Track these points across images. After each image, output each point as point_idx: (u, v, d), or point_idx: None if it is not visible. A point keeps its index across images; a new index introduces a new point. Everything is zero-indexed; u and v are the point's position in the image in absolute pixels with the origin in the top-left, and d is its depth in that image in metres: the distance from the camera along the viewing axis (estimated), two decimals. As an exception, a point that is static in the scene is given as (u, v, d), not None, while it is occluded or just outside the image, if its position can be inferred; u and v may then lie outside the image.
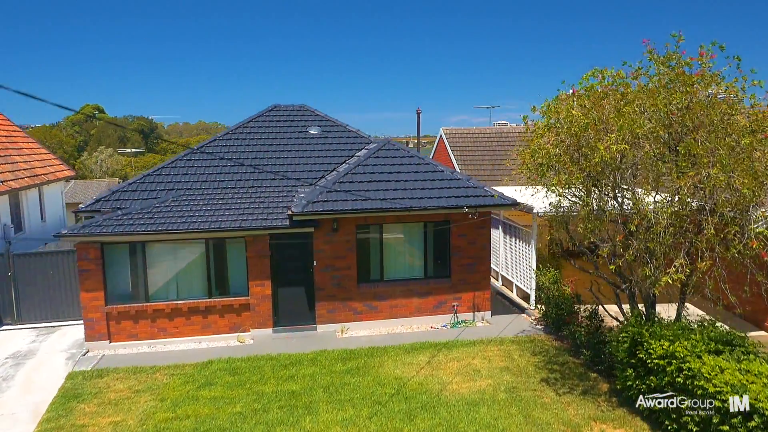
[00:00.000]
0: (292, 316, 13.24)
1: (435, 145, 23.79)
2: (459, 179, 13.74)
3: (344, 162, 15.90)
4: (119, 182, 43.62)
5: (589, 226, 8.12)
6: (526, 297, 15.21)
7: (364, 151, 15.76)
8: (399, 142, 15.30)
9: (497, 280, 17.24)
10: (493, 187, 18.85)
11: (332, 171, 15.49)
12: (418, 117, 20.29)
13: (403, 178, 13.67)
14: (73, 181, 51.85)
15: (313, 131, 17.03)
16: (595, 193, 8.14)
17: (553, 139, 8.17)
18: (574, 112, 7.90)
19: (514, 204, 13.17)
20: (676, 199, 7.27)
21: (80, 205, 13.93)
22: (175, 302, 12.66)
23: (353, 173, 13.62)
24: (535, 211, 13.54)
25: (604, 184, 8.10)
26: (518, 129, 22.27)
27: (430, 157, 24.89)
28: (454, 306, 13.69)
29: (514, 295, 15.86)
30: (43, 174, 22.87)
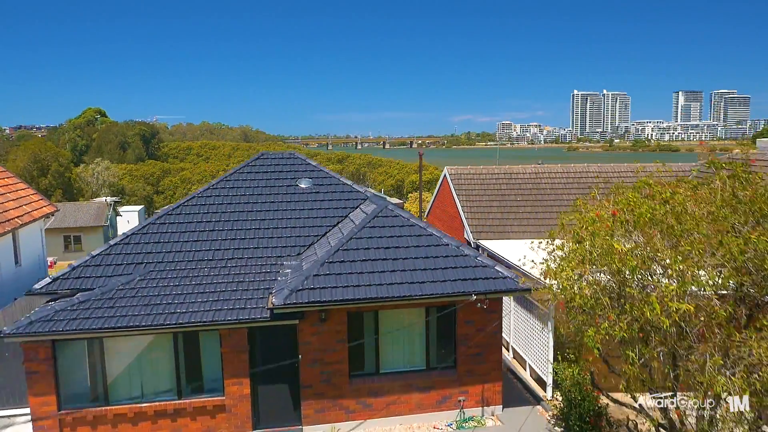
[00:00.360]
0: (275, 417, 11.56)
1: (439, 185, 22.09)
2: (466, 255, 12.03)
3: (337, 223, 14.25)
4: (110, 204, 42.04)
5: (635, 387, 6.46)
6: (540, 380, 13.49)
7: (358, 213, 14.09)
8: (395, 204, 13.60)
9: (507, 350, 15.52)
10: (502, 242, 17.14)
11: (324, 235, 13.84)
12: (420, 159, 18.60)
13: (402, 255, 11.96)
14: (59, 208, 50.37)
15: (303, 185, 15.37)
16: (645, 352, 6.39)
17: (587, 272, 6.47)
18: (617, 246, 6.20)
19: (532, 289, 11.41)
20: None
21: (35, 285, 12.26)
22: (139, 405, 11.01)
23: (344, 249, 11.92)
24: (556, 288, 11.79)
25: (657, 343, 6.37)
26: (528, 168, 20.56)
27: (434, 196, 23.21)
28: (459, 401, 11.99)
29: (527, 375, 14.15)
30: (18, 217, 21.28)
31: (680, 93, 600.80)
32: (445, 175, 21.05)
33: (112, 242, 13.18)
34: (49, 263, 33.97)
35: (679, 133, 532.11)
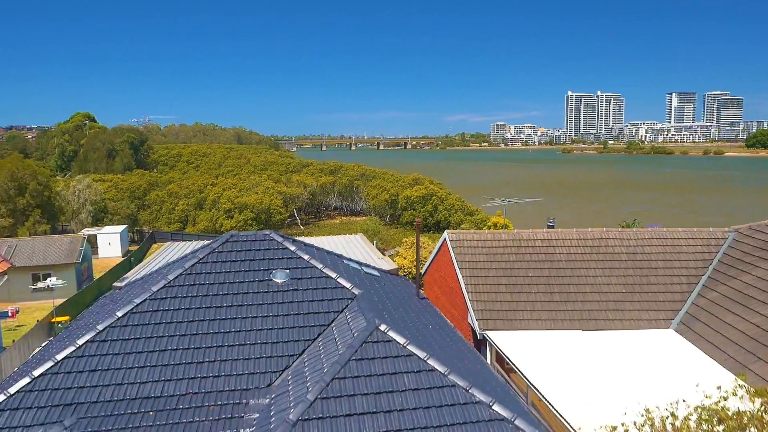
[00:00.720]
0: None
1: (438, 247, 19.63)
2: (478, 403, 9.56)
3: (318, 335, 11.80)
4: (84, 238, 39.33)
5: None
6: None
7: (344, 325, 11.62)
8: (388, 272, 11.12)
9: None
10: (513, 336, 14.67)
11: (301, 354, 11.38)
12: (417, 230, 16.20)
13: (396, 405, 9.47)
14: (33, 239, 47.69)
15: (278, 279, 12.91)
16: None
17: None
18: None
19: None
20: None
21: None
22: None
23: (324, 398, 9.43)
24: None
25: None
26: (539, 234, 18.12)
27: (433, 255, 20.74)
28: None
29: None
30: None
31: (673, 94, 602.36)
32: (445, 239, 18.60)
33: (36, 372, 10.62)
34: (9, 313, 31.25)
35: (672, 134, 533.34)
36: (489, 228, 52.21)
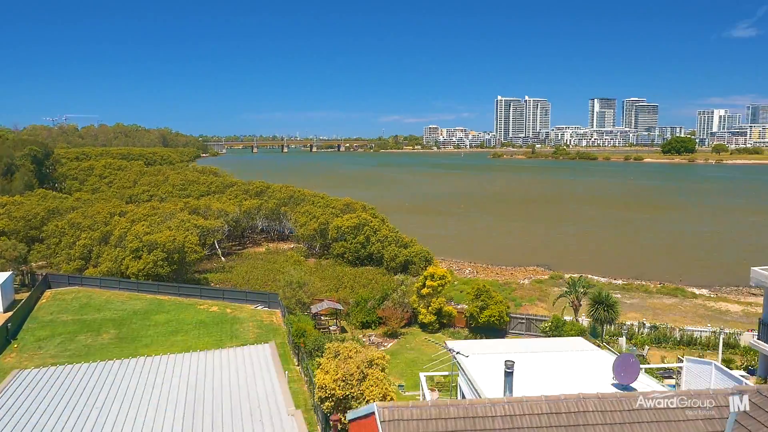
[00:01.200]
0: None
1: (365, 414, 14.79)
2: None
3: None
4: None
5: None
6: None
7: None
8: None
9: None
10: None
11: None
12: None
13: None
14: None
15: None
16: None
17: None
18: None
19: None
20: None
21: None
22: None
23: None
24: None
25: None
26: (498, 407, 13.66)
27: (355, 416, 15.85)
28: None
29: None
30: None
31: (596, 100, 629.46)
32: (373, 413, 13.79)
33: None
34: None
35: (595, 138, 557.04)
36: (425, 278, 47.53)
